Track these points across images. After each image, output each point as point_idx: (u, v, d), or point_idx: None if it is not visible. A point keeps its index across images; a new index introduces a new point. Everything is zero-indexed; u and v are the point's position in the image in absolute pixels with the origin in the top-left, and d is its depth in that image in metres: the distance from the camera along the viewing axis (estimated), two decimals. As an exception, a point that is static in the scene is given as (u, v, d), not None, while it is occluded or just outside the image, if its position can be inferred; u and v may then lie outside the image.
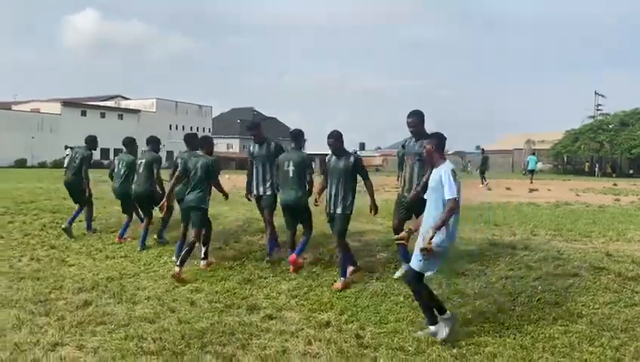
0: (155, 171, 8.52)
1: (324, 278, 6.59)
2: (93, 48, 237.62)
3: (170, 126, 66.88)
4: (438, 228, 4.53)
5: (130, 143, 9.31)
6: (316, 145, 50.29)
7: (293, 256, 6.72)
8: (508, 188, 21.38)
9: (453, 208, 4.56)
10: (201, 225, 7.06)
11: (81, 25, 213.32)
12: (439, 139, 4.94)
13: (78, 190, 9.49)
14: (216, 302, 5.81)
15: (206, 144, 7.37)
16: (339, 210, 6.29)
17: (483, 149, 26.79)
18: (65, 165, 10.77)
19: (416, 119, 6.13)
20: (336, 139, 6.37)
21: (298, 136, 7.04)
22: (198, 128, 71.24)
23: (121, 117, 62.90)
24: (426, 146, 4.98)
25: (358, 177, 6.47)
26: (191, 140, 8.02)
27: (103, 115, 60.99)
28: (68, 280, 6.67)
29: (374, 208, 6.43)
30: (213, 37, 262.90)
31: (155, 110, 66.38)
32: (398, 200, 6.51)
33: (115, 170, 9.06)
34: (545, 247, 7.59)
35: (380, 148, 78.65)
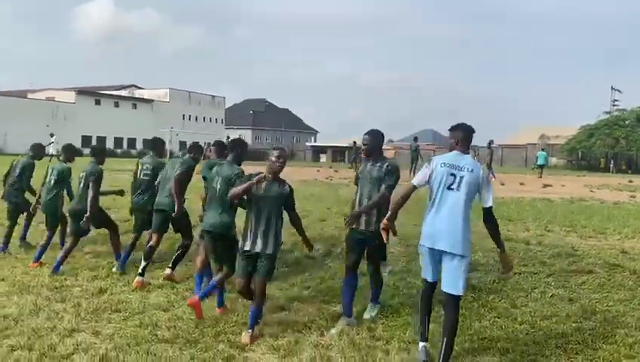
0: (91, 186, 6.64)
1: (336, 270, 6.62)
2: (107, 37, 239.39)
3: (184, 116, 67.17)
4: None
5: (67, 149, 7.87)
6: (327, 137, 50.14)
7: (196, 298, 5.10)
8: (521, 184, 21.24)
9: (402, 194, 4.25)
10: (187, 231, 6.56)
11: (95, 14, 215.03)
12: (465, 132, 4.22)
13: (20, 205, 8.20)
14: (228, 292, 5.85)
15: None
16: (268, 250, 4.71)
17: (489, 144, 26.36)
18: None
19: (371, 138, 5.19)
20: (285, 159, 4.90)
21: (235, 146, 5.48)
22: (211, 118, 71.57)
23: (134, 106, 63.27)
24: (449, 140, 4.30)
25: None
26: (152, 144, 7.35)
27: (116, 105, 61.38)
28: (83, 268, 6.75)
29: (308, 244, 5.14)
30: (226, 28, 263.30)
31: (168, 100, 66.63)
32: (350, 235, 5.18)
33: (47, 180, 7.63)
34: (559, 243, 7.55)
35: (392, 140, 78.34)
